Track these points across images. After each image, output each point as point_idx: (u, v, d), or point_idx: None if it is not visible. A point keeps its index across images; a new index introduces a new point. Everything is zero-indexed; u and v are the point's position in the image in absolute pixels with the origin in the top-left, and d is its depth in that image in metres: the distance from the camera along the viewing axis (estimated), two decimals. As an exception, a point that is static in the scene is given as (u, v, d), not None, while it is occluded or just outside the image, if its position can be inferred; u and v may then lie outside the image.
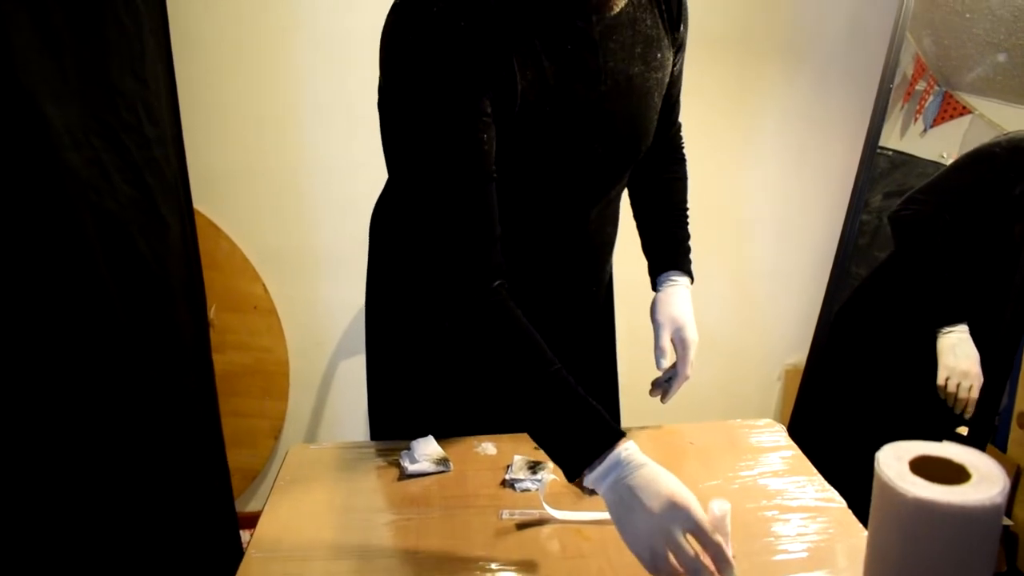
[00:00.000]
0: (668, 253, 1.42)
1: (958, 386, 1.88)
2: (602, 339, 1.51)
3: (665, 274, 1.40)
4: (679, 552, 0.90)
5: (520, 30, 1.09)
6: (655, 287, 1.42)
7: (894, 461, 0.80)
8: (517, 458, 1.24)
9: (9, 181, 1.35)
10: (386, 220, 1.40)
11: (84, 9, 1.51)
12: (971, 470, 0.78)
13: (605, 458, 0.98)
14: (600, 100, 1.17)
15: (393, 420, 1.45)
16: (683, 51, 1.33)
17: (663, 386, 1.36)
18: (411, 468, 1.23)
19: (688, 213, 1.46)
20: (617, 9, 1.08)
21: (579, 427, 1.01)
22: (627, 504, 0.95)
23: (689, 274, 1.41)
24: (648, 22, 1.21)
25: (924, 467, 0.79)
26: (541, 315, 1.13)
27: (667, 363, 1.34)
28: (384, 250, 1.42)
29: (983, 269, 2.01)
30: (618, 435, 1.00)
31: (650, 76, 1.22)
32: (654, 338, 1.35)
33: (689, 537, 0.91)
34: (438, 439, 1.31)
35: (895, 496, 0.77)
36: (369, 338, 1.48)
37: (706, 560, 0.90)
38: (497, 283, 1.08)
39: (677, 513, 0.91)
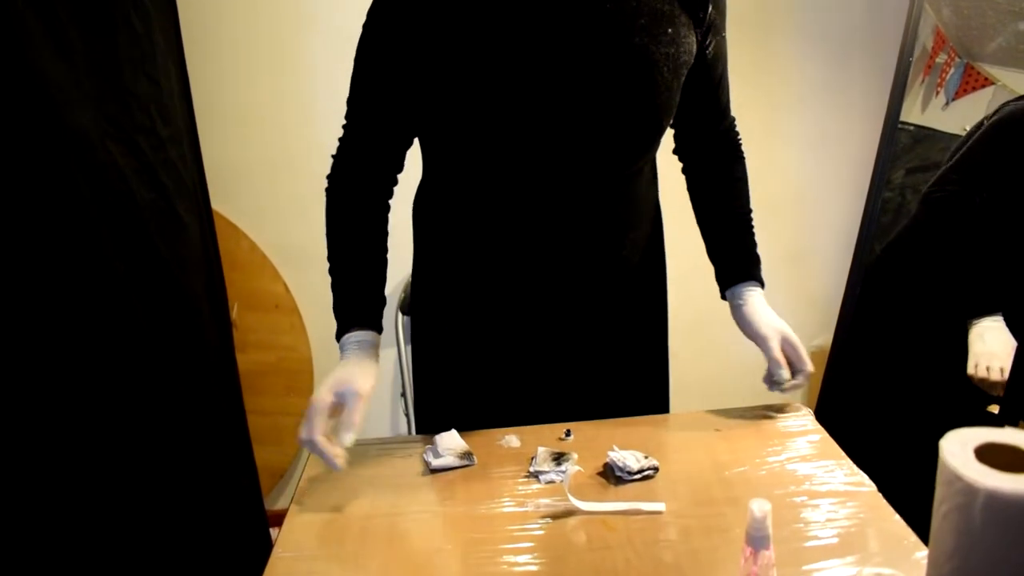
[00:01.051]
0: (743, 264, 1.42)
1: (988, 369, 1.85)
2: (641, 321, 1.49)
3: (741, 286, 1.41)
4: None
5: None
6: (729, 297, 1.43)
7: (959, 449, 0.75)
8: (541, 450, 1.24)
9: (26, 187, 1.35)
10: (426, 210, 1.43)
11: (93, 12, 1.51)
12: None
13: (342, 337, 1.27)
14: (593, 66, 1.19)
15: (439, 412, 1.46)
16: (719, 33, 1.32)
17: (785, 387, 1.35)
18: (435, 463, 1.23)
19: (752, 216, 1.46)
20: None
21: (344, 304, 1.30)
22: None
23: (763, 283, 1.42)
24: None
25: (990, 455, 0.74)
26: (557, 283, 1.33)
27: (787, 373, 1.33)
28: (427, 241, 1.44)
29: (1017, 253, 1.97)
30: (352, 323, 1.27)
31: (656, 50, 1.21)
32: (765, 352, 1.35)
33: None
34: (470, 430, 1.32)
35: (962, 487, 0.72)
36: (415, 330, 1.51)
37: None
38: (362, 182, 1.34)
39: (311, 407, 1.16)
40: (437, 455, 1.24)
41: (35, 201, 1.36)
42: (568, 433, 1.30)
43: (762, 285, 1.42)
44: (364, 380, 1.21)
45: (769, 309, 1.40)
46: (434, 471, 1.23)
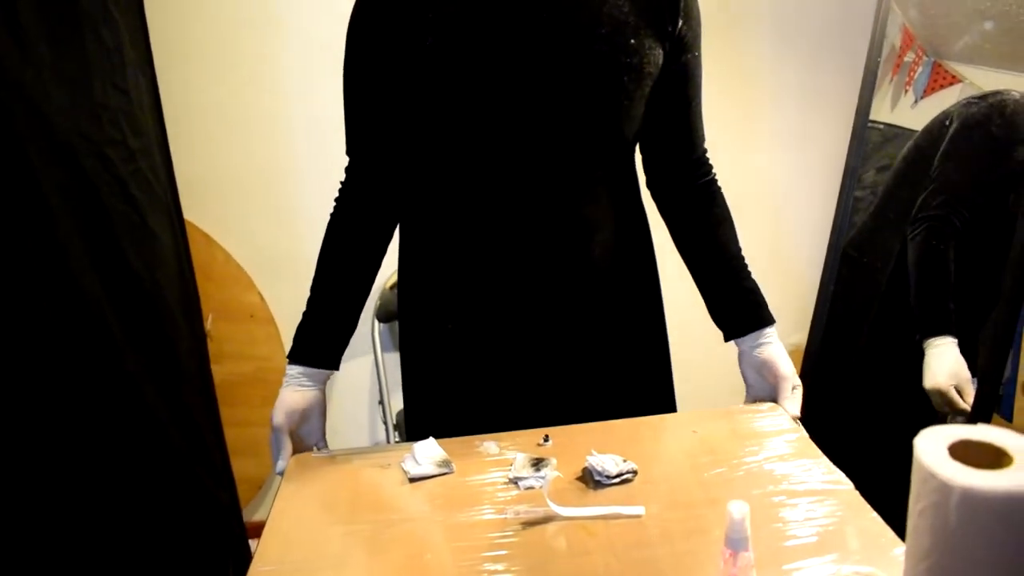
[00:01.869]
0: (751, 311, 1.42)
1: (943, 394, 1.88)
2: (633, 323, 1.49)
3: (760, 332, 1.41)
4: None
5: None
6: (743, 343, 1.43)
7: (933, 447, 0.75)
8: (520, 456, 1.23)
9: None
10: (409, 220, 1.44)
11: (62, 25, 1.50)
12: (1013, 453, 0.73)
13: (293, 362, 1.36)
14: (553, 72, 1.23)
15: (430, 418, 1.47)
16: (690, 51, 1.33)
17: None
18: (414, 472, 1.22)
19: (744, 257, 1.44)
20: None
21: (307, 334, 1.37)
22: None
23: (774, 320, 1.42)
24: (624, 8, 1.24)
25: (964, 452, 0.74)
26: (531, 285, 1.35)
27: (797, 410, 1.37)
28: (411, 249, 1.45)
29: (988, 260, 1.99)
30: (296, 356, 1.35)
31: (618, 59, 1.24)
32: (779, 394, 1.39)
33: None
34: (464, 435, 1.32)
35: (937, 484, 0.72)
36: (403, 337, 1.51)
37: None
38: (359, 200, 1.39)
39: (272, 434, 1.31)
40: (416, 464, 1.23)
41: (4, 214, 1.35)
42: (546, 439, 1.29)
43: (774, 322, 1.42)
44: (304, 423, 1.36)
45: (783, 348, 1.41)
46: (413, 480, 1.22)
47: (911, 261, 1.99)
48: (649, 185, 1.49)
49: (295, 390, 1.34)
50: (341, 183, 1.41)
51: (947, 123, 2.03)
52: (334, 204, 1.41)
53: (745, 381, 1.45)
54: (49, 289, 1.44)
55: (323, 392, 1.38)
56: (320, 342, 1.37)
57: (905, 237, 2.01)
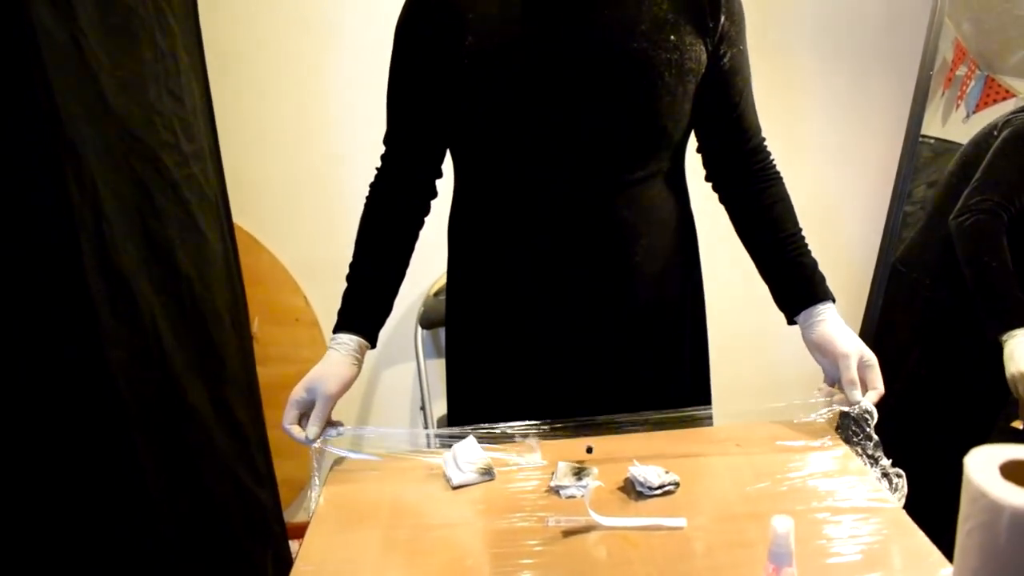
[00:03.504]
0: (807, 286, 1.39)
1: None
2: (674, 328, 1.48)
3: (813, 308, 1.37)
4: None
5: None
6: (801, 320, 1.39)
7: (984, 466, 0.73)
8: (561, 464, 1.23)
9: (49, 203, 1.36)
10: (457, 225, 1.47)
11: (119, 32, 1.53)
12: None
13: (334, 334, 1.39)
14: (594, 69, 1.24)
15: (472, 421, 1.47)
16: (735, 45, 1.33)
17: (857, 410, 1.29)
18: (456, 479, 1.23)
19: (803, 234, 1.42)
20: None
21: (346, 307, 1.40)
22: None
23: (832, 298, 1.38)
24: (664, 5, 1.26)
25: (1015, 472, 0.72)
26: (576, 288, 1.36)
27: (860, 395, 1.27)
28: (459, 254, 1.48)
29: None
30: (343, 326, 1.38)
31: (657, 55, 1.25)
32: (842, 372, 1.29)
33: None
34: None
35: (987, 504, 0.70)
36: (449, 340, 1.54)
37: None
38: (391, 188, 1.42)
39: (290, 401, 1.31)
40: (458, 470, 1.24)
41: (59, 217, 1.38)
42: (590, 449, 1.29)
43: (833, 300, 1.38)
44: (334, 383, 1.32)
45: (845, 326, 1.35)
46: (455, 487, 1.23)
47: (963, 256, 1.94)
48: (708, 178, 1.48)
49: (333, 363, 1.36)
50: (377, 169, 1.44)
51: (995, 132, 2.00)
52: (369, 188, 1.44)
53: (820, 366, 1.39)
54: (102, 290, 1.46)
55: (353, 360, 1.37)
56: (354, 311, 1.40)
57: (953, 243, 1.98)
